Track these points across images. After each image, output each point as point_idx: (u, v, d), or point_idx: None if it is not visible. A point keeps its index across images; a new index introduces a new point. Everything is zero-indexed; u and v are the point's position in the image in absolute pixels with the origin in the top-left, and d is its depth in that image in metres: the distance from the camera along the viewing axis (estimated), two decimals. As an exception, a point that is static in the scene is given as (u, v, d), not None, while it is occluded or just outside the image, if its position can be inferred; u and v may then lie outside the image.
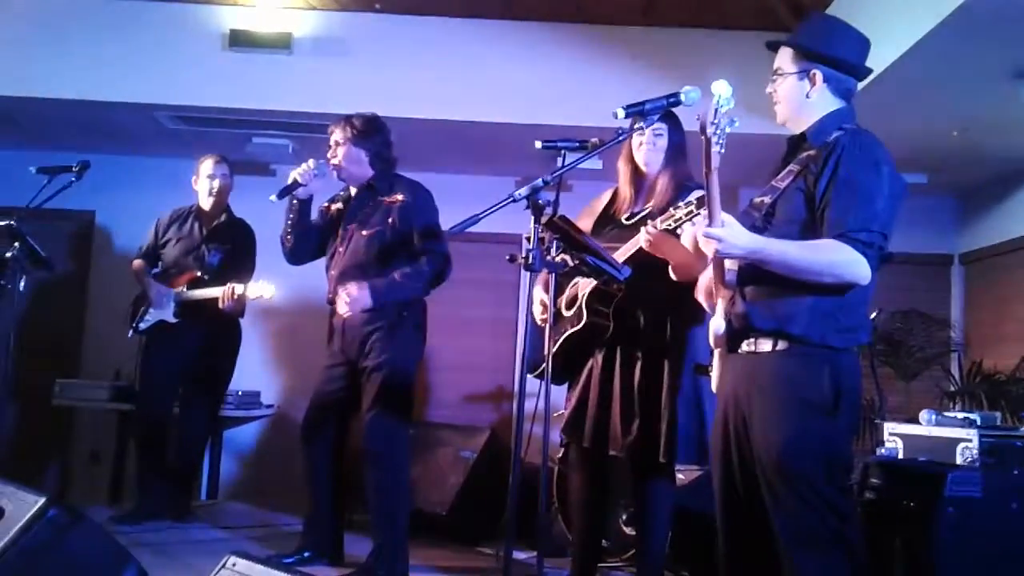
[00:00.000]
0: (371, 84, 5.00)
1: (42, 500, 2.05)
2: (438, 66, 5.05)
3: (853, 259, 2.12)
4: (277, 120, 5.24)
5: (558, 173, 2.67)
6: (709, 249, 2.18)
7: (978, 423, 3.19)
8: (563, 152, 3.23)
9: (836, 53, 2.33)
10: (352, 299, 3.43)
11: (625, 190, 3.31)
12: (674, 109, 2.73)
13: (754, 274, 2.24)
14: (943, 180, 5.72)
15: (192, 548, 3.87)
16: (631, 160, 3.28)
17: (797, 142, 2.38)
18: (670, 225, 2.83)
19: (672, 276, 2.95)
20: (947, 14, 3.46)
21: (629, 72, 4.92)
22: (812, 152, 2.28)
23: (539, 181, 2.47)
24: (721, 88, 2.11)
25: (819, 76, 2.32)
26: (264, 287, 4.10)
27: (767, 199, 2.31)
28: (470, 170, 6.05)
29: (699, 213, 2.42)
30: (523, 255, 2.52)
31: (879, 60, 4.05)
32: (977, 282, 6.11)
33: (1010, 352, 5.32)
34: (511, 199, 2.44)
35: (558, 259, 2.85)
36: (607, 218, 3.32)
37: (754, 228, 2.27)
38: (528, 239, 2.53)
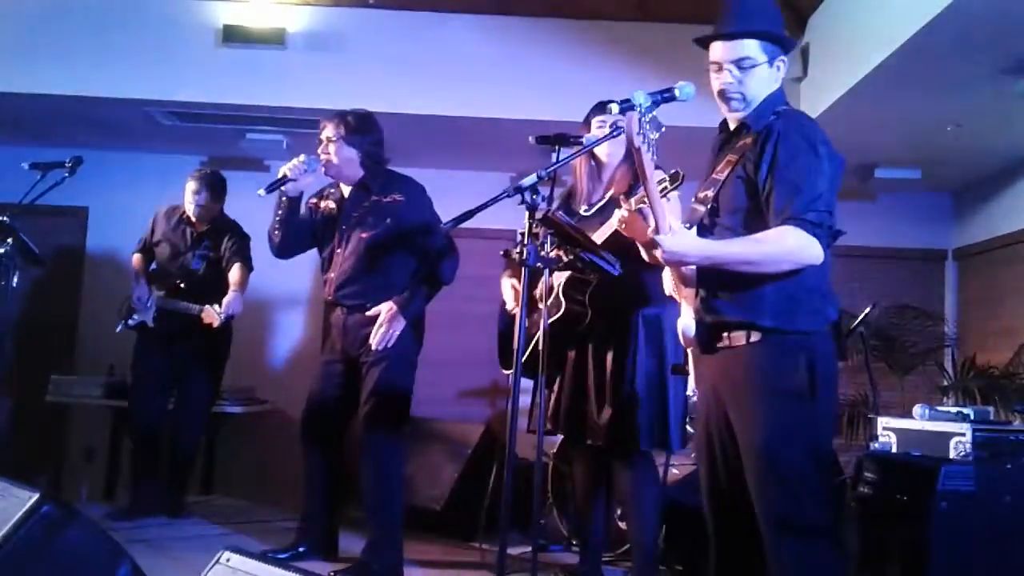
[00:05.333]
0: (365, 79, 4.99)
1: (35, 496, 2.04)
2: (432, 61, 5.04)
3: (805, 242, 2.12)
4: (271, 116, 5.22)
5: (552, 168, 2.67)
6: (656, 255, 2.17)
7: (971, 418, 3.20)
8: (557, 147, 3.25)
9: (785, 37, 2.35)
10: (388, 329, 3.43)
11: (582, 184, 3.34)
12: (668, 104, 2.72)
13: (712, 269, 2.23)
14: (937, 175, 5.72)
15: (186, 544, 3.87)
16: (589, 154, 3.29)
17: (737, 130, 2.36)
18: (645, 202, 2.79)
19: (645, 258, 2.91)
20: (939, 11, 3.46)
21: (623, 67, 4.91)
22: (747, 140, 2.27)
23: (533, 177, 2.47)
24: (640, 97, 2.10)
25: (785, 62, 2.33)
26: (212, 314, 4.15)
27: (710, 192, 2.31)
28: (464, 166, 6.04)
29: (674, 188, 2.39)
30: (517, 251, 2.53)
31: (874, 56, 4.06)
32: (971, 277, 6.13)
33: (1003, 347, 5.34)
34: (505, 195, 2.44)
35: (552, 254, 2.86)
36: (568, 213, 3.33)
37: (701, 224, 2.27)
38: (522, 235, 2.53)
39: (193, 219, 4.54)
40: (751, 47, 2.30)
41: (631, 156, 3.16)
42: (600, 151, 3.27)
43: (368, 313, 3.47)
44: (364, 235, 3.51)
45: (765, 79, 2.31)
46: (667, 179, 2.52)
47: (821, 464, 2.20)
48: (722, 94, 2.33)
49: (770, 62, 2.31)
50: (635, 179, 3.10)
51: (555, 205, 3.39)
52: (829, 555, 2.17)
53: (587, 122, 3.31)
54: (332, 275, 3.58)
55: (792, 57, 2.76)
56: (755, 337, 2.21)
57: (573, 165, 3.35)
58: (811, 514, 2.15)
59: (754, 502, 2.19)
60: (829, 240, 2.18)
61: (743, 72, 2.29)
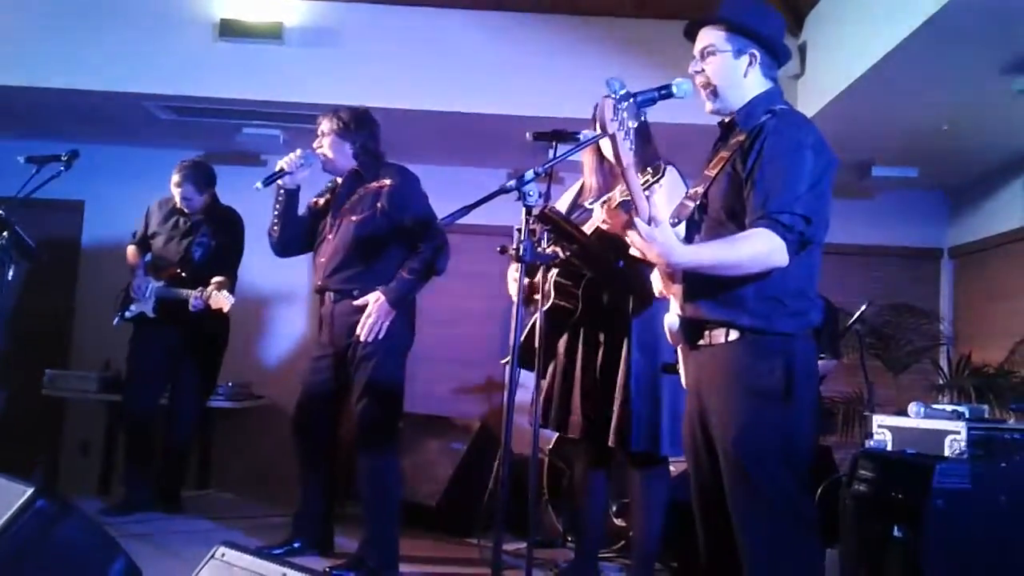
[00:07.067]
0: (362, 75, 4.98)
1: (30, 491, 2.03)
2: (429, 57, 5.04)
3: (774, 247, 2.08)
4: (268, 110, 5.22)
5: (549, 165, 2.66)
6: (636, 243, 2.10)
7: (966, 416, 3.20)
8: (555, 144, 3.24)
9: (767, 32, 2.29)
10: (376, 320, 3.40)
11: (590, 180, 3.32)
12: (666, 101, 2.72)
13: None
14: (933, 174, 5.73)
15: (182, 539, 3.86)
16: (597, 150, 3.28)
17: (729, 127, 2.33)
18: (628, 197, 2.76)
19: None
20: (936, 9, 3.46)
21: (621, 64, 4.90)
22: (741, 137, 2.24)
23: (530, 172, 2.46)
24: (615, 84, 2.06)
25: (757, 56, 2.27)
26: (222, 299, 4.10)
27: (700, 189, 2.29)
28: (461, 162, 6.04)
29: (656, 182, 2.37)
30: (514, 247, 2.52)
31: (869, 56, 4.07)
32: (966, 276, 6.14)
33: (998, 345, 5.35)
34: (502, 190, 2.44)
35: (549, 250, 2.85)
36: (575, 208, 3.33)
37: (690, 220, 2.26)
38: (519, 231, 2.53)
39: (185, 209, 4.52)
40: (713, 35, 2.30)
41: (639, 148, 3.15)
42: (605, 148, 3.26)
43: (356, 303, 3.46)
44: (354, 219, 3.52)
45: (729, 69, 2.28)
46: (650, 175, 2.50)
47: (795, 465, 2.16)
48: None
49: (736, 53, 2.27)
50: (641, 172, 3.09)
51: (566, 201, 3.38)
52: (798, 557, 2.16)
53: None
54: (322, 260, 3.60)
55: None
56: (733, 336, 2.19)
57: (582, 161, 3.34)
58: (780, 518, 2.13)
59: (727, 498, 2.19)
60: (797, 246, 2.13)
61: (702, 59, 2.30)
